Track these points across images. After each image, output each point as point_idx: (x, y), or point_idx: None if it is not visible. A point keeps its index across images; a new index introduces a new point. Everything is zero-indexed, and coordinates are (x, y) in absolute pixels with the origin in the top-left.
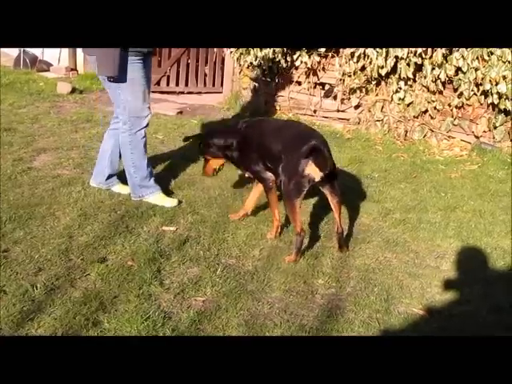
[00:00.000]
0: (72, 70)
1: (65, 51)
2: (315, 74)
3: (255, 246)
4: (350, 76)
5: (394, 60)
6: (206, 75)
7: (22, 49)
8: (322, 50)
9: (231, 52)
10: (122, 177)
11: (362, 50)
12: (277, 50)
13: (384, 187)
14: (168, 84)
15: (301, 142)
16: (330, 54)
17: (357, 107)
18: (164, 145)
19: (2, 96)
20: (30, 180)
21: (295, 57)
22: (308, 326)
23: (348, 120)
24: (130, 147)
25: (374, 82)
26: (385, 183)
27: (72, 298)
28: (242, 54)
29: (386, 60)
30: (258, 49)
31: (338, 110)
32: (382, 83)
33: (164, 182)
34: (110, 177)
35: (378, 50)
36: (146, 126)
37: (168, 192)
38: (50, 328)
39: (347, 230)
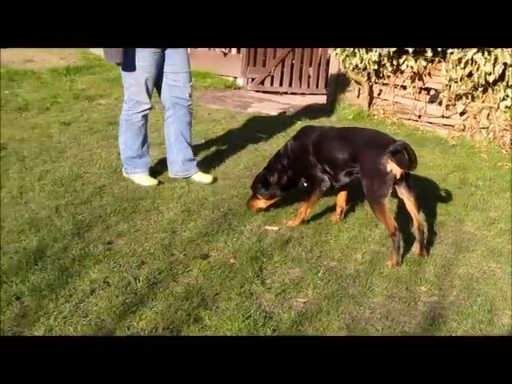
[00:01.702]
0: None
1: None
2: (421, 78)
3: (357, 250)
4: (456, 82)
5: (503, 67)
6: (309, 76)
7: None
8: (429, 54)
9: (336, 54)
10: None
11: (469, 55)
12: (383, 52)
13: (489, 196)
14: (272, 84)
15: (378, 142)
16: (437, 59)
17: (462, 114)
18: (267, 143)
19: (108, 90)
20: None
21: (401, 61)
22: (410, 334)
23: (453, 126)
24: (124, 126)
25: (480, 89)
26: (489, 192)
27: (174, 292)
28: (347, 56)
29: (493, 67)
30: (364, 51)
31: (443, 116)
32: (489, 90)
33: None
34: (185, 162)
35: (486, 56)
36: (144, 112)
37: None
38: (151, 322)
39: (451, 238)
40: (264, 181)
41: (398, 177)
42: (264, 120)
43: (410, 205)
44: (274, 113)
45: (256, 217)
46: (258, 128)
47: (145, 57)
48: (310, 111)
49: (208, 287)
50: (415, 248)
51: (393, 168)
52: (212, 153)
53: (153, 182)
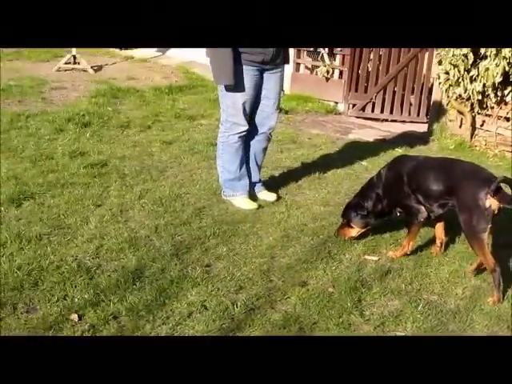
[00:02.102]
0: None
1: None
2: None
3: (458, 284)
4: None
5: None
6: (411, 104)
7: None
8: None
9: (440, 83)
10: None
11: None
12: (487, 83)
13: None
14: (373, 110)
15: (477, 175)
16: None
17: None
18: (368, 171)
19: (209, 111)
20: None
21: (506, 92)
22: None
23: None
24: (221, 148)
25: None
26: None
27: (271, 320)
28: (451, 85)
29: None
30: (468, 81)
31: None
32: None
33: None
34: (255, 183)
35: None
36: (241, 133)
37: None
38: None
39: None
40: (358, 208)
41: (496, 212)
42: (364, 146)
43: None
44: (370, 139)
45: (356, 246)
46: (359, 155)
47: (245, 79)
48: (411, 139)
49: (306, 316)
50: None
51: (492, 203)
52: (313, 178)
53: (253, 205)
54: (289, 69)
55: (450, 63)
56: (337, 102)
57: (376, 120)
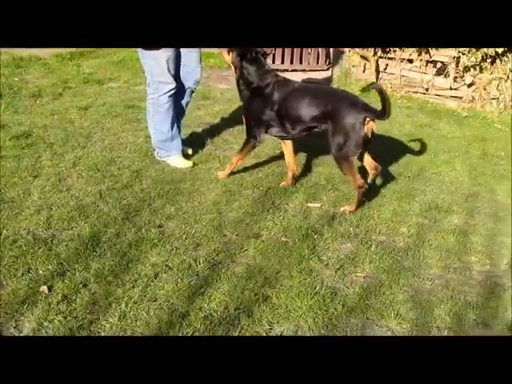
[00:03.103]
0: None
1: None
2: (427, 51)
3: (401, 223)
4: (464, 54)
5: None
6: (309, 53)
7: None
8: None
9: None
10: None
11: None
12: None
13: None
14: (274, 62)
15: (354, 103)
16: None
17: (470, 85)
18: None
19: (115, 73)
20: None
21: None
22: (473, 303)
23: (461, 98)
24: (151, 110)
25: (488, 60)
26: None
27: (236, 273)
28: None
29: None
30: None
31: (451, 88)
32: (497, 61)
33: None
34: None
35: None
36: (169, 92)
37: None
38: (221, 303)
39: (487, 209)
40: None
41: (370, 137)
42: None
43: (371, 164)
44: None
45: (296, 194)
46: None
47: None
48: None
49: (268, 266)
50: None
51: (367, 129)
52: (236, 132)
53: (188, 163)
54: None
55: None
56: None
57: (277, 71)
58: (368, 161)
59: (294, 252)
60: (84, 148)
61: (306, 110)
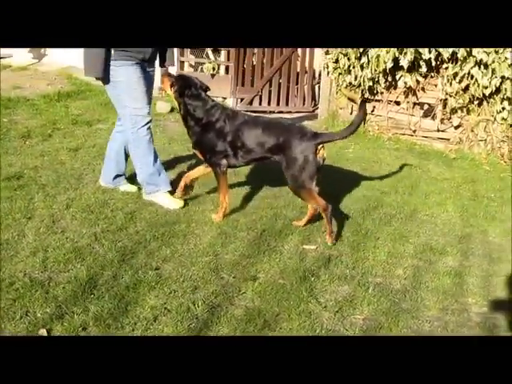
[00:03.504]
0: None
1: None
2: (414, 93)
3: (397, 265)
4: (451, 96)
5: (500, 80)
6: (296, 95)
7: None
8: (424, 70)
9: (328, 72)
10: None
11: (466, 70)
12: (378, 69)
13: (503, 207)
14: (260, 103)
15: (303, 133)
16: (430, 75)
17: (457, 127)
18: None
19: (103, 115)
20: None
21: (397, 77)
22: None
23: (448, 140)
24: (133, 144)
25: (476, 102)
26: (502, 203)
27: (235, 315)
28: (340, 74)
29: (490, 80)
30: (359, 68)
31: (438, 130)
32: (484, 103)
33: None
34: (116, 177)
35: (482, 70)
36: (147, 124)
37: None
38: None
39: (481, 250)
40: None
41: (322, 163)
42: None
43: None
44: None
45: (291, 236)
46: None
47: (133, 71)
48: None
49: (266, 308)
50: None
51: (319, 156)
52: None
53: (179, 203)
54: (172, 68)
55: (341, 52)
56: (225, 98)
57: (264, 112)
58: None
59: (292, 294)
60: (76, 189)
61: (260, 141)
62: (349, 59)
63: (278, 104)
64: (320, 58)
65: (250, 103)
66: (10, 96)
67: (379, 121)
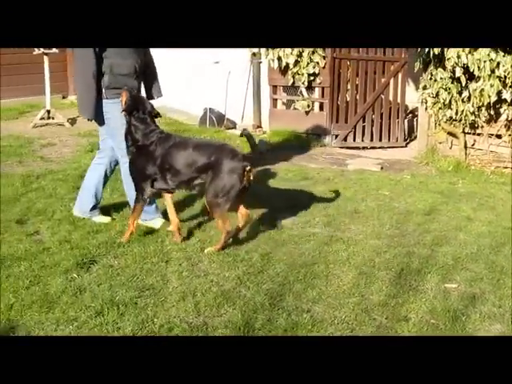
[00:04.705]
0: (258, 127)
1: (248, 109)
2: None
3: None
4: None
5: None
6: (389, 130)
7: (208, 107)
8: None
9: (427, 107)
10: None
11: None
12: (481, 103)
13: None
14: (354, 139)
15: (233, 154)
16: None
17: None
18: (394, 200)
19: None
20: (288, 238)
21: (502, 110)
22: None
23: None
24: (127, 173)
25: None
26: None
27: None
28: (440, 108)
29: None
30: (461, 102)
31: None
32: None
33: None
34: (93, 207)
35: None
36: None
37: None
38: None
39: None
40: None
41: (247, 186)
42: (374, 176)
43: (241, 209)
44: (375, 168)
45: (430, 275)
46: (375, 185)
47: (113, 108)
48: (406, 165)
49: None
50: None
51: (245, 179)
52: (349, 213)
53: (162, 223)
54: (266, 105)
55: (441, 87)
56: (319, 135)
57: (357, 148)
58: (241, 209)
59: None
60: (204, 231)
61: (188, 162)
62: (449, 93)
63: (371, 139)
64: (411, 93)
65: (345, 139)
66: None
67: (480, 155)
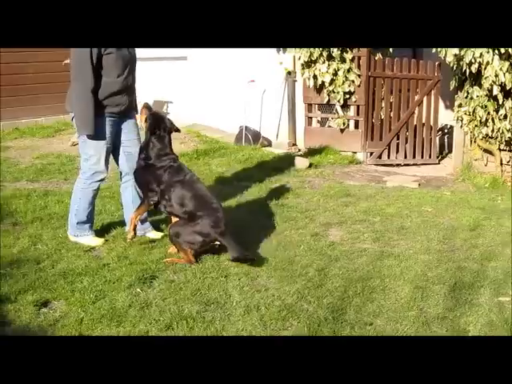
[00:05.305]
0: (293, 144)
1: (283, 127)
2: None
3: None
4: None
5: None
6: (423, 147)
7: (244, 125)
8: None
9: (462, 125)
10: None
11: None
12: None
13: None
14: (388, 157)
15: (215, 213)
16: None
17: None
18: (438, 216)
19: (250, 172)
20: (341, 254)
21: None
22: None
23: None
24: (80, 194)
25: None
26: None
27: None
28: (476, 125)
29: None
30: (497, 120)
31: None
32: None
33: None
34: (142, 222)
35: None
36: (101, 181)
37: None
38: None
39: None
40: None
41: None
42: (414, 193)
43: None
44: (414, 186)
45: (482, 289)
46: (416, 202)
47: (107, 126)
48: (443, 181)
49: None
50: None
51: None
52: (397, 229)
53: (101, 241)
54: (301, 123)
55: (478, 105)
56: (354, 152)
57: (391, 165)
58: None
59: None
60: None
61: (182, 203)
62: (485, 111)
63: (405, 157)
64: (441, 110)
65: (379, 157)
66: None
67: None
